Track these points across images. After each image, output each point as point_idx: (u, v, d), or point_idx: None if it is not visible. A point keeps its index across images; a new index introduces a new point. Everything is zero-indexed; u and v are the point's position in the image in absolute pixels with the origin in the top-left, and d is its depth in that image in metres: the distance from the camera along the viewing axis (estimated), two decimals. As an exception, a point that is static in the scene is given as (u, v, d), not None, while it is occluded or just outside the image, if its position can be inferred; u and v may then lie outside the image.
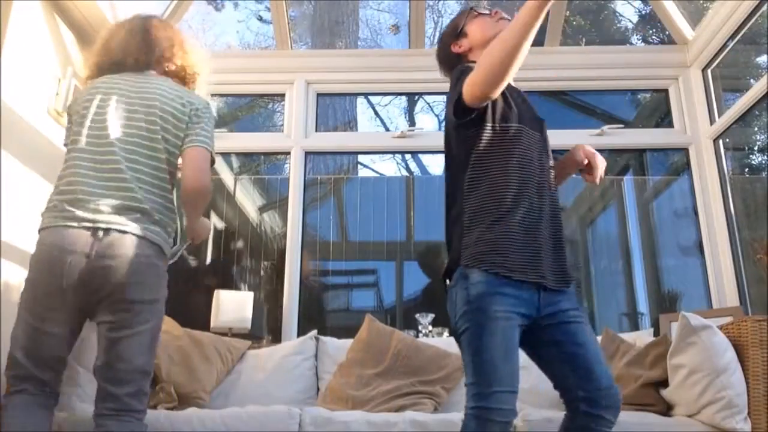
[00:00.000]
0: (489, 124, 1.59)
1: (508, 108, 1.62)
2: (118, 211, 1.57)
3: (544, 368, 1.60)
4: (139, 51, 1.79)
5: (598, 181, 1.72)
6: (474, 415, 1.45)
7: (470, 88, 1.51)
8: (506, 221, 1.52)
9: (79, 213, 1.56)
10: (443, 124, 1.80)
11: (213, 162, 1.78)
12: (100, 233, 1.55)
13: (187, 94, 1.78)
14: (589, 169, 1.73)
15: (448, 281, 1.63)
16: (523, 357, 1.53)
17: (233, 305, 3.02)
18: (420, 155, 4.45)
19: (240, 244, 3.70)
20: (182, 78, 1.88)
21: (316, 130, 3.57)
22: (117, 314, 1.56)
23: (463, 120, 1.57)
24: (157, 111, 1.69)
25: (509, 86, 1.68)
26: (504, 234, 1.52)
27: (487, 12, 1.75)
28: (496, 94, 1.51)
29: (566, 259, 1.61)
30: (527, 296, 1.51)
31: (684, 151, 3.40)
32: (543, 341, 1.55)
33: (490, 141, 1.58)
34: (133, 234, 1.57)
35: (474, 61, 1.66)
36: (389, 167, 4.69)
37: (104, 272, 1.53)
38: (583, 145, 1.76)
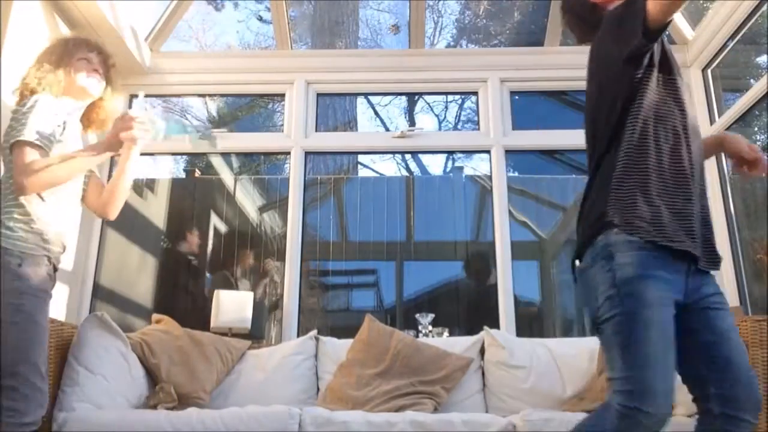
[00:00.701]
0: (656, 71, 1.44)
1: (673, 61, 1.48)
2: None
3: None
4: None
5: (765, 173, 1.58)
6: (623, 414, 1.28)
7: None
8: (666, 185, 1.37)
9: None
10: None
11: (30, 143, 1.77)
12: None
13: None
14: (751, 163, 1.57)
15: (577, 262, 1.45)
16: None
17: (233, 305, 3.02)
18: (420, 155, 4.44)
19: (240, 244, 3.70)
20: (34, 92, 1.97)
21: (316, 130, 3.57)
22: None
23: (644, 47, 1.41)
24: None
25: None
26: (662, 198, 1.35)
27: None
28: (673, 14, 1.40)
29: (713, 237, 1.44)
30: (678, 278, 1.34)
31: (684, 151, 3.40)
32: (679, 329, 1.36)
33: (656, 90, 1.43)
34: None
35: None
36: (389, 167, 4.71)
37: None
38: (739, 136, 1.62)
